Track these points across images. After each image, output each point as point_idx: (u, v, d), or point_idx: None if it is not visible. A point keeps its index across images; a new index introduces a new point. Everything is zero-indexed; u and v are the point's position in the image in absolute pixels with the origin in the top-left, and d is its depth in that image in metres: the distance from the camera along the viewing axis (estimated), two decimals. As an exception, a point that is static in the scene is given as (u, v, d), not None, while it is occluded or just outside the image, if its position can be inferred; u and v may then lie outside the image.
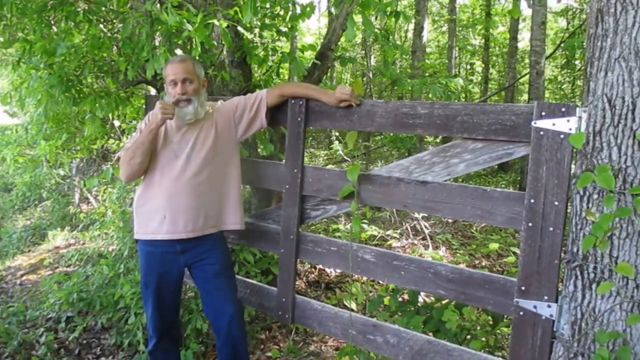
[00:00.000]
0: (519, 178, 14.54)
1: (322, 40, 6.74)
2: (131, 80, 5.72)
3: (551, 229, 2.98)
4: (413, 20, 16.13)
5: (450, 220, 10.47)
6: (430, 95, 8.68)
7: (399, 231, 9.52)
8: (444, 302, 4.30)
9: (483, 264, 8.41)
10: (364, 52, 19.45)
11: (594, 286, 2.79)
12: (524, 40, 23.06)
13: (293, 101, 4.12)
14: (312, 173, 4.11)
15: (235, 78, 5.78)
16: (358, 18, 5.55)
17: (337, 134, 16.27)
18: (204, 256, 4.12)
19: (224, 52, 5.81)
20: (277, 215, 4.48)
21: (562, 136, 2.91)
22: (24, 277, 8.16)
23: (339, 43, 7.00)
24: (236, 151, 4.26)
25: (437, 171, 3.54)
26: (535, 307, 3.06)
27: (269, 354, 5.40)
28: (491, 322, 4.42)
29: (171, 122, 4.06)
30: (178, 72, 4.01)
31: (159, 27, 4.97)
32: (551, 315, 3.00)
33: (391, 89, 16.00)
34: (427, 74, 15.99)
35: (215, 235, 4.17)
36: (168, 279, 4.13)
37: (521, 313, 3.11)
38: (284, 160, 4.28)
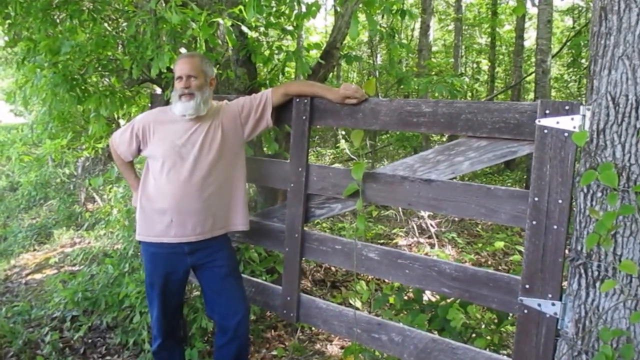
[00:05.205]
0: (524, 176, 14.53)
1: (328, 39, 6.74)
2: (136, 79, 5.72)
3: (555, 227, 2.98)
4: (419, 19, 16.14)
5: (456, 219, 10.46)
6: (436, 94, 8.68)
7: (404, 230, 9.52)
8: (448, 300, 4.29)
9: (489, 262, 8.41)
10: (370, 50, 19.43)
11: (597, 284, 2.79)
12: (530, 38, 23.09)
13: (298, 100, 4.11)
14: (317, 171, 4.11)
15: (240, 77, 5.78)
16: (363, 17, 5.55)
17: (343, 132, 16.27)
18: (211, 258, 4.11)
19: (229, 51, 5.81)
20: (282, 214, 4.47)
21: (566, 134, 2.91)
22: (29, 276, 8.17)
23: (345, 41, 7.00)
24: (242, 152, 4.26)
25: (442, 169, 3.53)
26: (539, 305, 3.05)
27: (274, 352, 5.41)
28: (496, 321, 4.42)
29: (174, 123, 4.06)
30: (184, 67, 4.01)
31: (164, 25, 4.97)
32: (555, 314, 3.00)
33: (397, 87, 16.00)
34: (433, 73, 15.96)
35: (222, 236, 4.18)
36: (174, 279, 4.12)
37: (525, 311, 3.11)
38: (289, 159, 4.28)
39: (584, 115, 2.84)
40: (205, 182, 3.97)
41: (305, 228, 4.24)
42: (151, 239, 4.05)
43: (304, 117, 4.08)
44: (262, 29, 5.79)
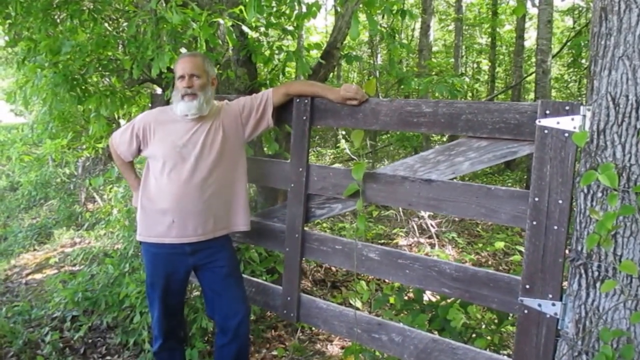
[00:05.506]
0: (525, 177, 14.53)
1: (328, 39, 6.74)
2: (136, 79, 5.71)
3: (555, 227, 2.98)
4: (420, 19, 16.15)
5: (456, 219, 10.46)
6: (436, 95, 8.68)
7: (404, 230, 9.52)
8: (449, 300, 4.29)
9: (489, 262, 8.41)
10: (370, 50, 19.43)
11: (598, 284, 2.79)
12: (531, 38, 23.09)
13: (298, 100, 4.11)
14: (317, 171, 4.11)
15: (241, 77, 5.78)
16: (364, 17, 5.56)
17: (343, 132, 16.28)
18: (212, 258, 4.11)
19: (230, 51, 5.81)
20: (282, 214, 4.47)
21: (566, 135, 2.91)
22: (30, 276, 8.17)
23: (346, 41, 7.00)
24: (243, 152, 4.25)
25: (442, 169, 3.53)
26: (539, 305, 3.06)
27: (275, 352, 5.41)
28: (496, 321, 4.42)
29: (175, 123, 4.05)
30: (187, 66, 4.00)
31: (164, 25, 4.97)
32: (555, 314, 3.00)
33: (397, 87, 16.01)
34: (433, 73, 15.97)
35: (223, 236, 4.17)
36: (175, 279, 4.12)
37: (526, 311, 3.11)
38: (289, 159, 4.28)
39: (584, 116, 2.84)
40: (206, 183, 3.96)
41: (306, 228, 4.24)
42: (152, 240, 4.05)
43: (304, 117, 4.09)
44: (262, 29, 5.79)
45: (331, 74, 7.92)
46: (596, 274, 2.79)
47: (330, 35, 6.72)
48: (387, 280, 6.37)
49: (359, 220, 3.82)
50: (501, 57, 24.35)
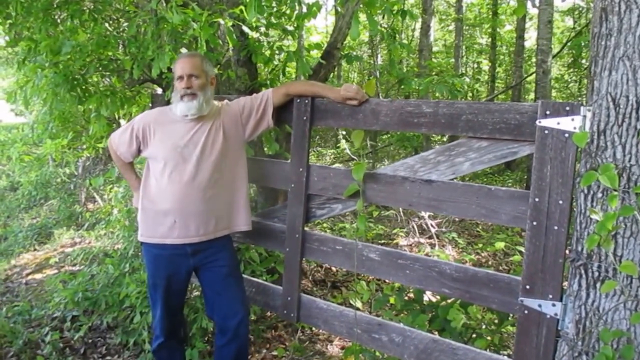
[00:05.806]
0: (525, 177, 14.53)
1: (328, 39, 6.74)
2: (137, 79, 5.71)
3: (555, 227, 2.98)
4: (420, 19, 16.15)
5: (456, 219, 10.46)
6: (437, 95, 8.67)
7: (405, 230, 9.51)
8: (449, 301, 4.29)
9: (489, 262, 8.41)
10: (370, 50, 19.41)
11: (598, 285, 2.79)
12: (531, 39, 23.09)
13: (298, 100, 4.11)
14: (318, 172, 4.10)
15: (241, 77, 5.78)
16: (364, 17, 5.56)
17: (344, 132, 16.27)
18: (213, 258, 4.10)
19: (230, 51, 5.81)
20: (282, 214, 4.47)
21: (566, 135, 2.91)
22: (30, 276, 8.16)
23: (346, 42, 7.00)
24: (243, 152, 4.25)
25: (442, 170, 3.53)
26: (539, 305, 3.05)
27: (275, 352, 5.41)
28: (496, 321, 4.41)
29: (175, 124, 4.04)
30: (185, 67, 3.99)
31: (165, 25, 4.97)
32: (556, 314, 3.00)
33: (398, 88, 16.00)
34: (433, 73, 15.96)
35: (224, 237, 4.17)
36: (176, 279, 4.11)
37: (526, 312, 3.11)
38: (289, 159, 4.28)
39: (584, 116, 2.84)
40: (208, 183, 3.95)
41: (306, 228, 4.24)
42: (154, 240, 4.04)
43: (304, 118, 4.08)
44: (262, 29, 5.78)
45: (331, 74, 7.92)
46: (596, 274, 2.79)
47: (331, 36, 6.72)
48: (387, 281, 6.36)
49: (359, 221, 3.82)
50: (501, 57, 24.35)
